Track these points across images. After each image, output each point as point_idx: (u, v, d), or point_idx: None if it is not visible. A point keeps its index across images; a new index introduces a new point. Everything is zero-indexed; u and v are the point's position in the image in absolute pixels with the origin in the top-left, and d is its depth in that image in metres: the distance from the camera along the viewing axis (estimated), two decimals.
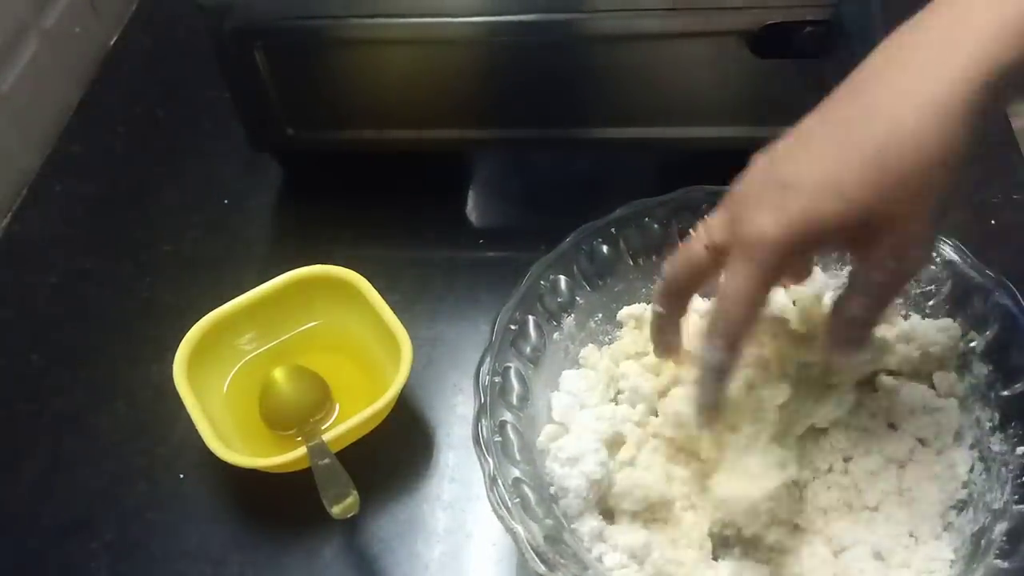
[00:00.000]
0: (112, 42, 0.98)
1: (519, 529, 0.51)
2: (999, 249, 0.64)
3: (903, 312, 0.61)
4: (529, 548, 0.51)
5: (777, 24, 0.65)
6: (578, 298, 0.63)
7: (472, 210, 0.80)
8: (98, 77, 0.94)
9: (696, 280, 0.53)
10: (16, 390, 0.72)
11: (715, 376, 0.51)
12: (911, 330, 0.60)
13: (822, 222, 0.46)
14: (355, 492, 0.58)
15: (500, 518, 0.52)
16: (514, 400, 0.57)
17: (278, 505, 0.63)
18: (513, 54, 0.70)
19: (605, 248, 0.64)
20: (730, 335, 0.49)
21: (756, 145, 0.72)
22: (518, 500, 0.53)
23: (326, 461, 0.59)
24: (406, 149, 0.78)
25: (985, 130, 0.46)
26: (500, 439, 0.55)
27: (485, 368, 0.57)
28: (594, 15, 0.67)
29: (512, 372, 0.58)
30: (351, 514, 0.57)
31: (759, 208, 0.47)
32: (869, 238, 0.47)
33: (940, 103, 0.45)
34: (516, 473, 0.54)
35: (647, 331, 0.59)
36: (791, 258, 0.48)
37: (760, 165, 0.50)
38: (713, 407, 0.53)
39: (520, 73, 0.71)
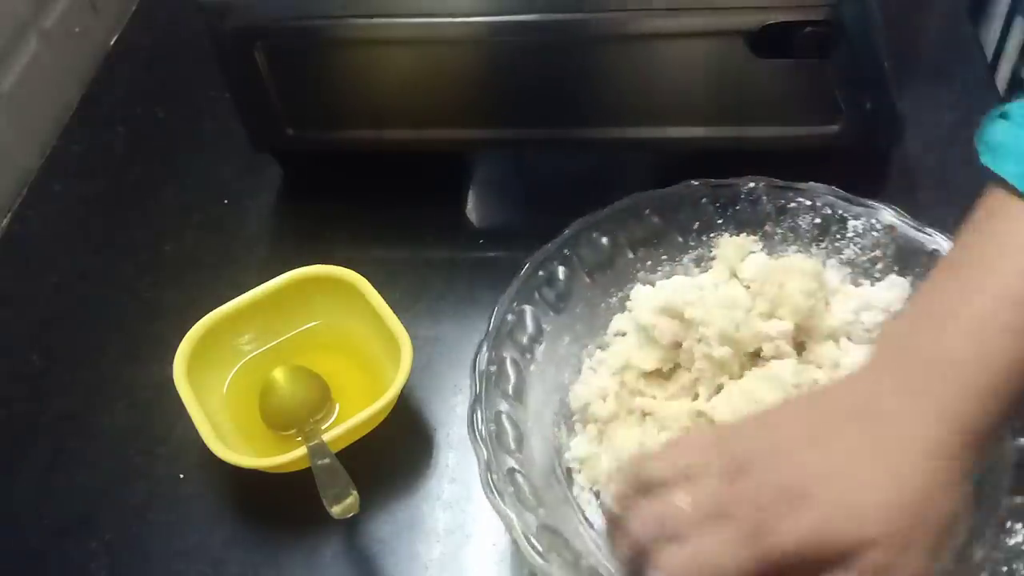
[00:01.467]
0: (112, 42, 0.98)
1: (512, 516, 0.52)
2: None
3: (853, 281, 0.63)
4: (523, 536, 0.51)
5: (777, 24, 0.65)
6: (576, 288, 0.63)
7: (472, 210, 0.80)
8: (98, 77, 0.94)
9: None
10: (16, 390, 0.72)
11: None
12: (868, 296, 0.61)
13: (836, 534, 0.45)
14: (355, 492, 0.58)
15: (494, 506, 0.52)
16: (510, 390, 0.58)
17: (278, 505, 0.63)
18: (513, 54, 0.70)
19: (604, 239, 0.64)
20: None
21: (756, 145, 0.73)
22: (512, 489, 0.53)
23: (326, 461, 0.59)
24: (406, 149, 0.78)
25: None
26: (495, 428, 0.55)
27: (482, 357, 0.58)
28: (594, 15, 0.67)
29: (508, 362, 0.59)
30: (351, 514, 0.57)
31: (775, 501, 0.46)
32: (863, 555, 0.46)
33: (955, 463, 0.46)
34: (511, 463, 0.55)
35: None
36: (788, 563, 0.46)
37: (762, 446, 0.48)
38: None
39: (520, 73, 0.71)
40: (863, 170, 0.73)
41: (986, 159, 0.50)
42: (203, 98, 0.89)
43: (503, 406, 0.57)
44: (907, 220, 0.62)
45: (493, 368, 0.58)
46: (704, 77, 0.69)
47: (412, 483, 0.64)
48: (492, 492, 0.53)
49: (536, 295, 0.62)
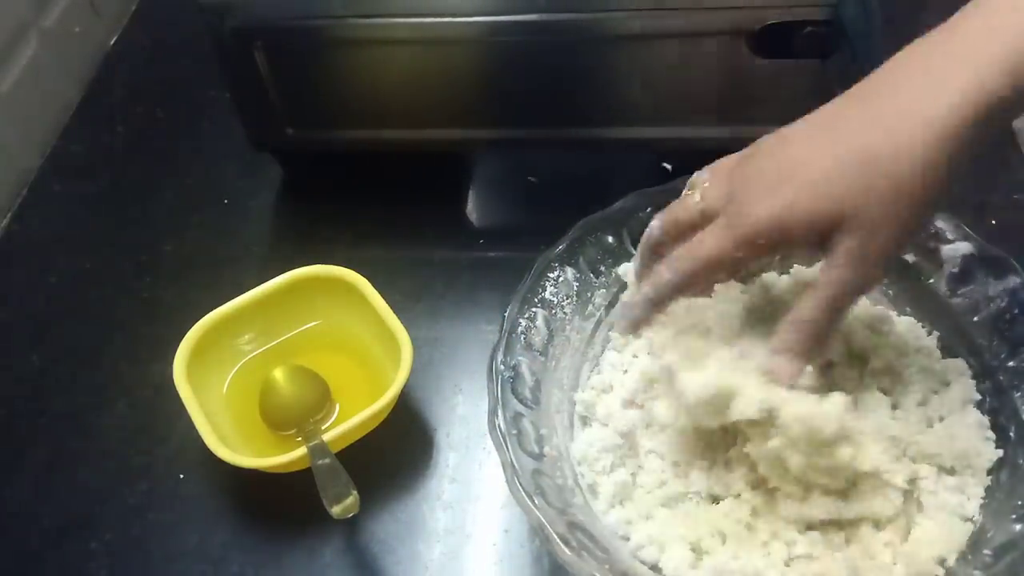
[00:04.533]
0: (112, 42, 0.98)
1: (539, 516, 0.52)
2: (1000, 248, 0.64)
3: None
4: (555, 535, 0.51)
5: (777, 24, 0.65)
6: (583, 288, 0.63)
7: (472, 210, 0.80)
8: (98, 77, 0.94)
9: (683, 236, 0.55)
10: (16, 390, 0.72)
11: (652, 302, 0.55)
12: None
13: (804, 213, 0.49)
14: (355, 492, 0.58)
15: (520, 503, 0.53)
16: (526, 392, 0.58)
17: (278, 505, 0.63)
18: (513, 54, 0.70)
19: (609, 238, 0.64)
20: (682, 277, 0.53)
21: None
22: (538, 490, 0.53)
23: (326, 461, 0.59)
24: (406, 149, 0.78)
25: (972, 155, 0.48)
26: (516, 432, 0.56)
27: (498, 363, 0.58)
28: (594, 15, 0.67)
29: (523, 366, 0.59)
30: (351, 514, 0.57)
31: (755, 189, 0.51)
32: (838, 240, 0.49)
33: (935, 126, 0.47)
34: (534, 465, 0.55)
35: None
36: (767, 243, 0.51)
37: (766, 147, 0.52)
38: (639, 325, 0.56)
39: (520, 73, 0.71)
40: None
41: None
42: (203, 98, 0.89)
43: (521, 408, 0.57)
44: (974, 237, 0.61)
45: (509, 374, 0.58)
46: (704, 77, 0.69)
47: (412, 483, 0.64)
48: (519, 491, 0.53)
49: (544, 295, 0.62)
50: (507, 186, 0.83)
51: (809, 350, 0.51)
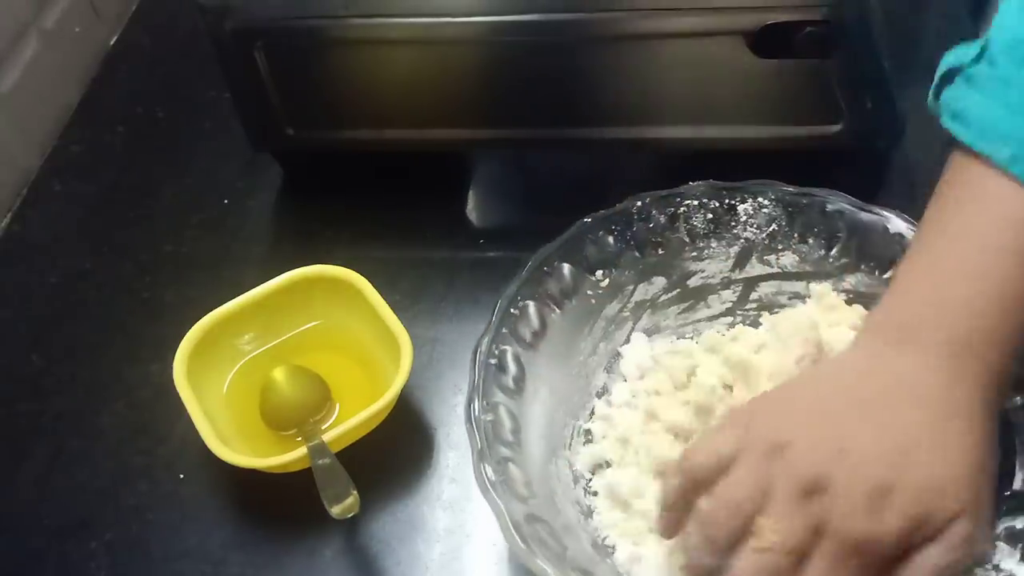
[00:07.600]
0: (112, 42, 0.98)
1: (500, 504, 0.52)
2: None
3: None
4: (510, 525, 0.52)
5: (777, 24, 0.65)
6: (581, 286, 0.63)
7: (472, 210, 0.80)
8: (98, 77, 0.94)
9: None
10: (16, 390, 0.72)
11: None
12: None
13: (931, 523, 0.46)
14: (355, 492, 0.58)
15: (483, 492, 0.53)
16: (510, 382, 0.58)
17: (278, 505, 0.63)
18: (513, 54, 0.70)
19: (611, 239, 0.64)
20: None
21: (756, 145, 0.73)
22: (503, 478, 0.54)
23: (326, 461, 0.59)
24: (406, 149, 0.78)
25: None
26: (492, 418, 0.56)
27: (483, 349, 0.58)
28: (594, 15, 0.67)
29: (509, 355, 0.59)
30: (351, 514, 0.57)
31: (859, 512, 0.46)
32: (953, 526, 0.47)
33: (987, 411, 0.49)
34: (505, 452, 0.55)
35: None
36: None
37: (826, 455, 0.47)
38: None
39: (520, 73, 0.71)
40: (863, 170, 0.73)
41: (962, 132, 0.49)
42: (203, 98, 0.89)
43: (501, 397, 0.57)
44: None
45: (493, 361, 0.58)
46: (705, 77, 0.69)
47: (412, 483, 0.64)
48: (483, 479, 0.53)
49: (540, 291, 0.62)
50: (507, 186, 0.83)
51: None
